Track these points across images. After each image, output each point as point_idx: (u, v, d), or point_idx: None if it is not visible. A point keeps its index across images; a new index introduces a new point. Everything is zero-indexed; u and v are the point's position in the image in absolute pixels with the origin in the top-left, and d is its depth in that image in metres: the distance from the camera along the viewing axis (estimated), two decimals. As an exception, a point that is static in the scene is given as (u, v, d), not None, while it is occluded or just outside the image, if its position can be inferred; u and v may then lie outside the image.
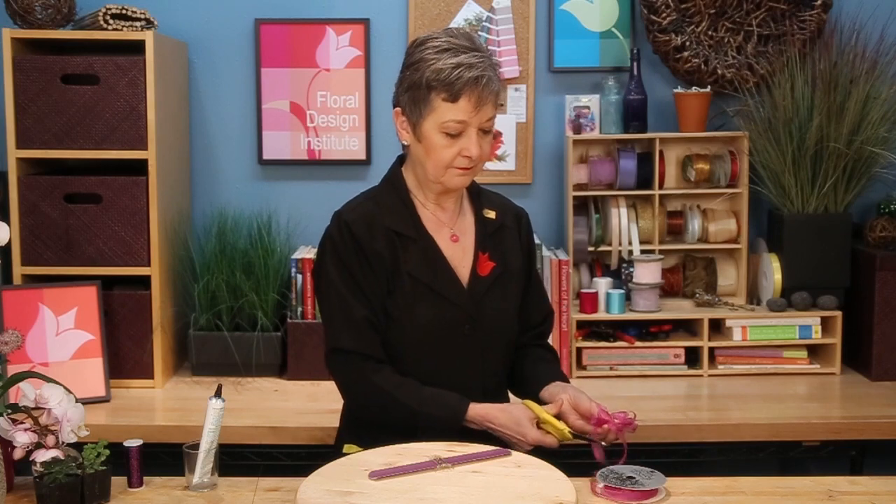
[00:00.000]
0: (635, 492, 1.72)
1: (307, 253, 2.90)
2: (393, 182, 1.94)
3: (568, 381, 1.97)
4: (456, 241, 1.93)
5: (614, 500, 1.71)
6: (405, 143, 1.91)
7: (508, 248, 1.98)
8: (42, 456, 1.69)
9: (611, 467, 1.78)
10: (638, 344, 2.85)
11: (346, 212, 1.93)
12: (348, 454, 1.84)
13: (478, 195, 2.00)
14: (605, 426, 1.82)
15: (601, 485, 1.73)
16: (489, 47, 1.87)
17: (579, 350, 2.86)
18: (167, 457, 2.14)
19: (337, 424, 2.42)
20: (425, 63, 1.80)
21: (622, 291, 2.92)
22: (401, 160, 1.98)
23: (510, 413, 1.83)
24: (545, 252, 2.88)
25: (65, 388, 1.76)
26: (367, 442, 1.82)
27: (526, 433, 1.80)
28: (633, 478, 1.74)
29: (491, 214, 1.98)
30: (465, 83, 1.77)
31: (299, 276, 2.84)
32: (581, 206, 3.05)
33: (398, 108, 1.88)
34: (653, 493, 1.73)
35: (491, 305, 1.91)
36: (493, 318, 1.91)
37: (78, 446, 1.75)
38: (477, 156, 1.83)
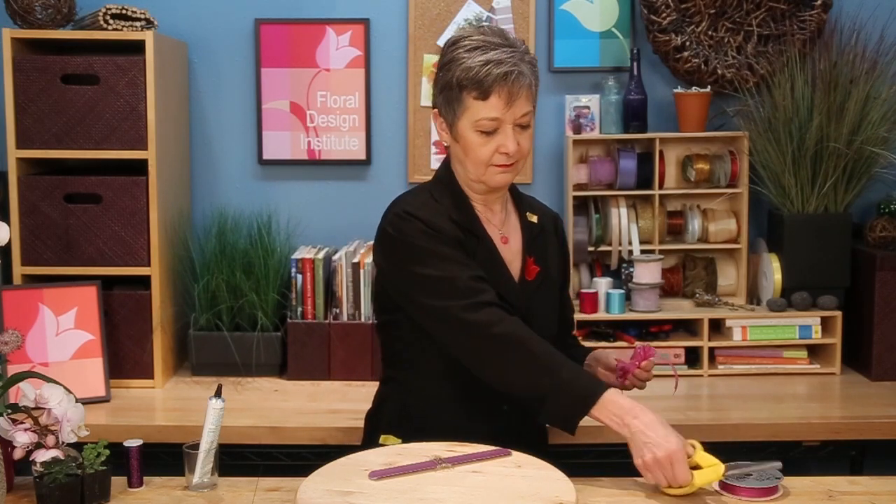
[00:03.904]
0: (754, 489, 1.72)
1: (307, 253, 2.89)
2: (445, 180, 1.92)
3: None
4: (506, 242, 1.92)
5: (732, 496, 1.72)
6: (445, 144, 1.91)
7: (549, 253, 1.98)
8: (42, 456, 1.69)
9: (728, 463, 1.75)
10: (638, 344, 2.84)
11: (408, 207, 1.86)
12: (384, 445, 1.84)
13: (519, 198, 1.99)
14: (630, 373, 1.89)
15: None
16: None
17: (579, 350, 2.86)
18: (167, 457, 2.14)
19: (337, 424, 2.44)
20: (456, 63, 1.80)
21: (622, 291, 2.92)
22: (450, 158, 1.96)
23: (661, 421, 1.71)
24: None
25: (65, 388, 1.76)
26: (406, 433, 1.83)
27: (673, 451, 1.67)
28: (751, 474, 1.74)
29: (533, 218, 1.97)
30: (494, 80, 1.76)
31: (299, 276, 2.84)
32: (581, 206, 3.05)
33: (435, 110, 1.88)
34: (773, 490, 1.73)
35: (538, 310, 1.91)
36: (541, 323, 1.89)
37: (78, 446, 1.75)
38: (514, 151, 1.81)
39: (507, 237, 1.93)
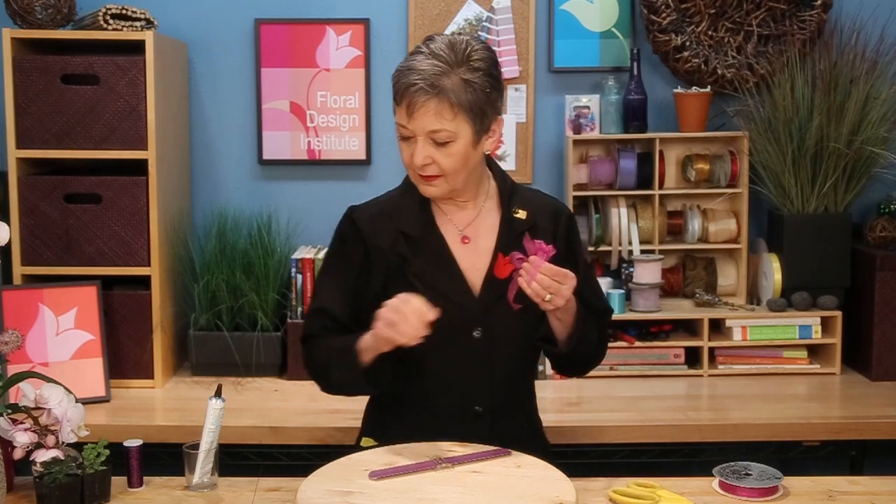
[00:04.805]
0: (754, 489, 1.73)
1: (307, 253, 2.90)
2: (411, 182, 1.88)
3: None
4: (467, 242, 1.86)
5: (733, 496, 1.73)
6: None
7: None
8: (42, 456, 1.69)
9: (727, 464, 1.80)
10: (638, 344, 2.85)
11: (356, 208, 1.93)
12: (365, 447, 1.83)
13: (510, 195, 1.90)
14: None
15: (717, 479, 1.76)
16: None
17: (579, 350, 2.86)
18: (167, 457, 2.14)
19: (337, 424, 2.44)
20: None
21: (622, 291, 2.92)
22: None
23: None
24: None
25: (65, 388, 1.76)
26: (381, 435, 1.85)
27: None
28: (751, 474, 1.76)
29: (521, 214, 1.88)
30: (400, 87, 1.73)
31: (299, 276, 2.84)
32: (581, 206, 3.05)
33: None
34: (773, 490, 1.74)
35: (506, 310, 1.80)
36: (507, 324, 1.83)
37: (78, 446, 1.75)
38: (419, 165, 1.75)
39: (471, 237, 1.87)
